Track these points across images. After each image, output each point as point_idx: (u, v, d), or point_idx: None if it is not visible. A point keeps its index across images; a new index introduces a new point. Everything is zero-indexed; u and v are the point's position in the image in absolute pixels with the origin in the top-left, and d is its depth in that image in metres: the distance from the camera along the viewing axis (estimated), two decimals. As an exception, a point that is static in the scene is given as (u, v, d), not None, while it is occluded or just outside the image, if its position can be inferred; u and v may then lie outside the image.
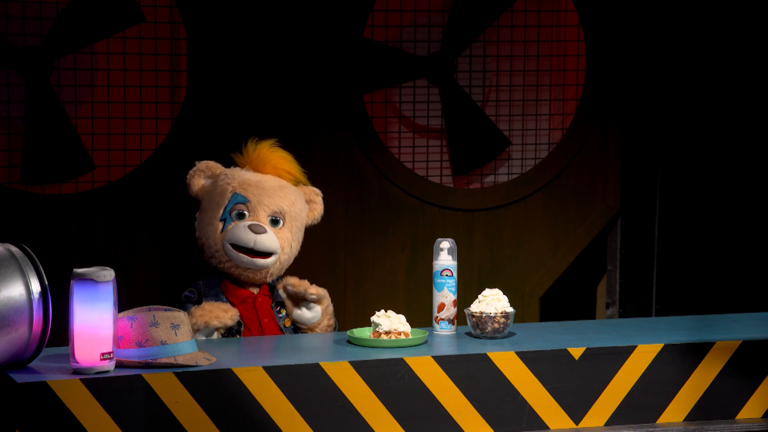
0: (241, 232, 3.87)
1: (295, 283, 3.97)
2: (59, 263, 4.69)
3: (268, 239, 3.88)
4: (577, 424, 3.38)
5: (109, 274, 3.05)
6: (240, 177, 3.95)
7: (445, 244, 3.67)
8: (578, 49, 5.44)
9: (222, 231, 3.89)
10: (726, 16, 5.53)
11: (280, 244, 3.92)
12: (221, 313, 3.72)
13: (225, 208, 3.91)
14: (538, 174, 5.44)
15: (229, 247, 3.87)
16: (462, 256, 4.92)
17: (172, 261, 4.96)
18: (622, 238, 5.57)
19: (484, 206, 5.39)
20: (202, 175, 4.00)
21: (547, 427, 3.35)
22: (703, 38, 5.53)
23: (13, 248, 3.10)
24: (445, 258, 3.66)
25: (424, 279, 4.91)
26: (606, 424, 3.40)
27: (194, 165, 4.03)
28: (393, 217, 5.27)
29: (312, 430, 3.16)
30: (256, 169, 4.01)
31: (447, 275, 3.64)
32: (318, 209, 4.11)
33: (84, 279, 3.02)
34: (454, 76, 5.32)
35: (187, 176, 4.01)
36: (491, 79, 5.41)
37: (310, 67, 5.09)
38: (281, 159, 4.04)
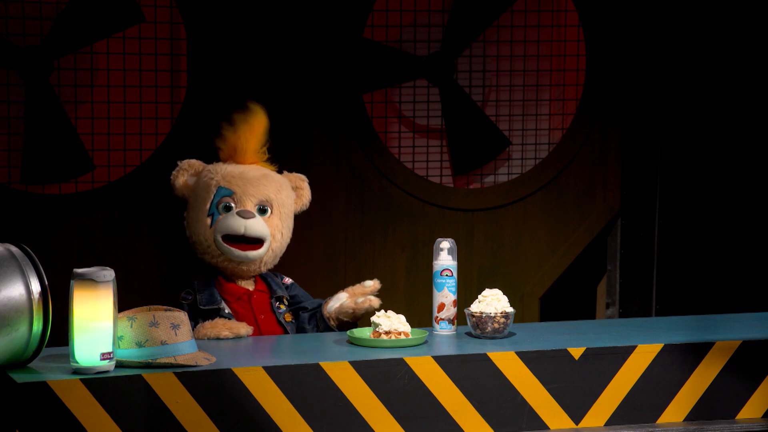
0: (230, 220, 3.89)
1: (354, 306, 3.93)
2: (59, 263, 4.69)
3: (258, 224, 3.90)
4: (577, 424, 3.38)
5: (109, 274, 3.05)
6: (222, 170, 3.99)
7: (445, 244, 3.67)
8: (578, 49, 5.44)
9: (212, 225, 3.91)
10: (726, 16, 5.53)
11: (271, 231, 3.94)
12: (233, 325, 3.71)
13: (211, 203, 3.93)
14: (538, 174, 5.43)
15: (221, 240, 3.89)
16: (462, 256, 4.92)
17: (172, 261, 4.96)
18: (622, 238, 5.57)
19: (484, 206, 5.38)
20: (185, 174, 4.05)
21: (547, 427, 3.35)
22: (703, 38, 5.53)
23: (13, 248, 3.10)
24: (445, 258, 3.66)
25: (424, 279, 4.91)
26: (606, 424, 3.40)
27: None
28: (393, 217, 5.27)
29: (312, 430, 3.16)
30: (237, 162, 4.04)
31: (447, 275, 3.64)
32: (306, 195, 4.12)
33: (84, 279, 3.02)
34: (454, 76, 5.32)
35: (171, 176, 4.08)
36: (491, 79, 5.41)
37: (310, 67, 5.09)
38: (251, 145, 4.05)
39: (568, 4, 5.43)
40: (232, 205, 3.93)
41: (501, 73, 5.41)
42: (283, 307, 3.97)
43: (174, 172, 4.07)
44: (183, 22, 4.94)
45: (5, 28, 4.73)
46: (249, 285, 3.96)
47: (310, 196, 4.14)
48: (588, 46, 5.42)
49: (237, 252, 3.89)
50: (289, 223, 4.06)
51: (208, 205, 3.94)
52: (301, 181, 4.13)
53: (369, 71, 5.21)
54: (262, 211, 3.96)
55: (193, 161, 4.08)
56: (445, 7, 5.30)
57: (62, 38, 4.77)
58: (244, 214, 3.89)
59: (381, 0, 5.21)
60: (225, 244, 3.89)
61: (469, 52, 5.35)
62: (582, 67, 5.45)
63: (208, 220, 3.93)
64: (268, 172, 4.02)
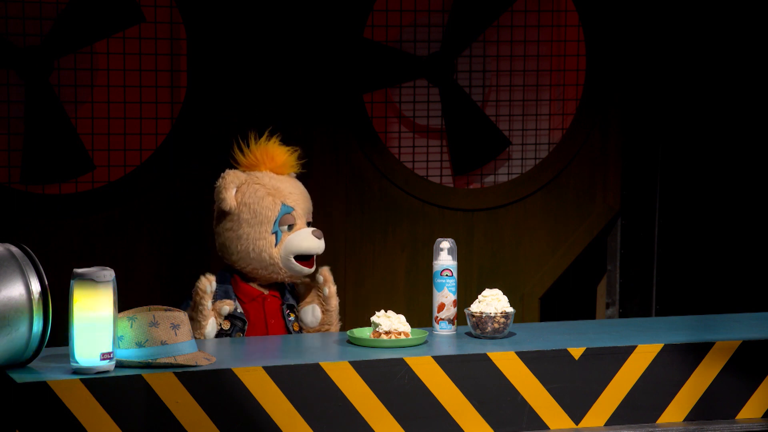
0: (307, 240, 3.88)
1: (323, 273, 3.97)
2: (59, 263, 4.69)
3: (323, 241, 3.92)
4: (577, 424, 3.38)
5: (109, 274, 3.05)
6: (274, 185, 3.91)
7: (445, 244, 3.67)
8: (578, 49, 5.44)
9: (277, 244, 3.88)
10: (726, 16, 5.53)
11: None
12: (218, 304, 3.74)
13: (276, 222, 3.90)
14: (538, 174, 5.44)
15: (292, 259, 3.87)
16: (462, 256, 4.93)
17: (172, 261, 4.96)
18: (622, 238, 5.57)
19: (484, 206, 5.39)
20: (233, 186, 3.88)
21: (547, 427, 3.35)
22: (703, 38, 5.54)
23: (13, 248, 3.10)
24: (445, 258, 3.66)
25: (424, 279, 4.91)
26: (606, 424, 3.40)
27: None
28: (393, 217, 5.27)
29: (312, 430, 3.16)
30: (275, 171, 3.98)
31: (447, 275, 3.64)
32: None
33: (84, 279, 3.02)
34: (454, 76, 5.32)
35: (218, 190, 3.88)
36: (491, 79, 5.42)
37: (310, 67, 5.09)
38: (292, 158, 4.04)
39: (568, 4, 5.43)
40: (294, 223, 3.92)
41: (501, 73, 5.41)
42: (293, 316, 3.96)
43: (221, 184, 3.87)
44: (183, 22, 4.94)
45: (5, 28, 4.74)
46: (263, 288, 3.96)
47: None
48: (588, 46, 5.43)
49: (307, 270, 3.91)
50: None
51: (272, 225, 3.91)
52: None
53: (369, 71, 5.21)
54: (308, 224, 3.98)
55: (238, 172, 3.92)
56: (445, 7, 5.30)
57: (62, 38, 4.78)
58: (319, 235, 3.89)
59: (381, 0, 5.21)
60: (296, 263, 3.88)
61: (469, 52, 5.35)
62: (582, 67, 5.45)
63: (272, 239, 3.90)
64: (301, 185, 4.03)
